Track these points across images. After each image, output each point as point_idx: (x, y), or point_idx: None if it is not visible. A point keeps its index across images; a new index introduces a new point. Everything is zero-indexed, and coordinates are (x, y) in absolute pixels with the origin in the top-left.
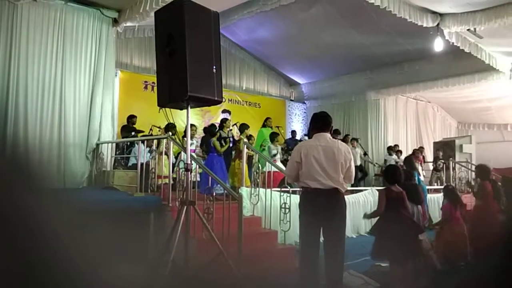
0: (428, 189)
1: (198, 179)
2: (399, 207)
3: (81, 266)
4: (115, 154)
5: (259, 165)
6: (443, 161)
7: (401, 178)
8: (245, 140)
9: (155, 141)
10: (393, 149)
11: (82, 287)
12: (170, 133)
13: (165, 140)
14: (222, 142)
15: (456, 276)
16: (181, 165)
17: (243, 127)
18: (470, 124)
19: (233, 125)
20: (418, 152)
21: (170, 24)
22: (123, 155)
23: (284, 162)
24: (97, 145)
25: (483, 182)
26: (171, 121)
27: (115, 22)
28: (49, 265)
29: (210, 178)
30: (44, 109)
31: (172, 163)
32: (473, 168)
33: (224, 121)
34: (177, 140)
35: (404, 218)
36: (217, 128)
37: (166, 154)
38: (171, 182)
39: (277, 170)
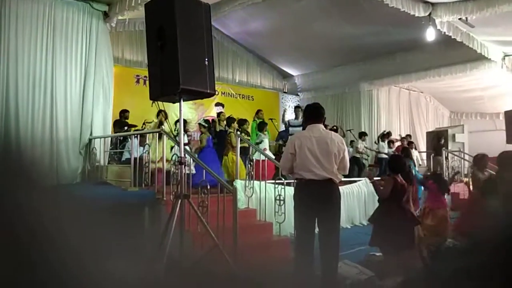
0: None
1: (194, 171)
2: (401, 198)
3: (76, 261)
4: (108, 149)
5: (254, 157)
6: (444, 148)
7: (405, 168)
8: (238, 132)
9: (148, 137)
10: (386, 136)
11: (78, 282)
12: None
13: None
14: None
15: (447, 265)
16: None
17: (230, 121)
18: (463, 113)
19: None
20: (405, 140)
21: (161, 17)
22: (116, 150)
23: (279, 154)
24: (90, 140)
25: (478, 172)
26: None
27: (105, 15)
28: (44, 260)
29: (204, 171)
30: (35, 104)
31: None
32: (466, 157)
33: (218, 115)
34: (170, 131)
35: (405, 209)
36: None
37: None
38: (165, 174)
39: (268, 159)
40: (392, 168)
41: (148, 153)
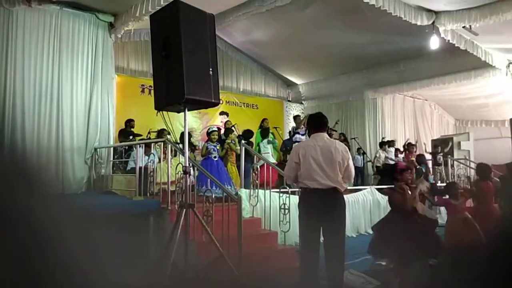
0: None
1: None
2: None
3: (79, 271)
4: (113, 159)
5: (258, 166)
6: (442, 155)
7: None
8: (242, 141)
9: (153, 146)
10: (385, 144)
11: None
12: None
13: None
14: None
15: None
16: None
17: (227, 132)
18: (468, 121)
19: (231, 127)
20: (412, 147)
21: (165, 27)
22: (122, 159)
23: (283, 163)
24: (96, 149)
25: (482, 183)
26: (169, 124)
27: (111, 26)
28: (46, 269)
29: (209, 180)
30: (41, 114)
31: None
32: (472, 165)
33: (225, 124)
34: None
35: (418, 216)
36: (212, 129)
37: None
38: (170, 187)
39: (272, 167)
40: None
41: (153, 162)
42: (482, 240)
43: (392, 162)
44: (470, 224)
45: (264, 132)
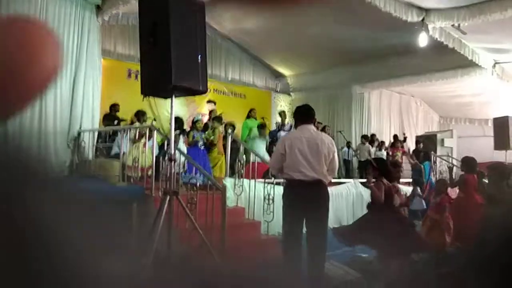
0: (406, 182)
1: (186, 168)
2: (391, 202)
3: (62, 257)
4: (97, 143)
5: (244, 156)
6: (422, 153)
7: (392, 172)
8: (229, 131)
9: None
10: (366, 138)
11: (64, 278)
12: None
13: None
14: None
15: (434, 267)
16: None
17: (216, 120)
18: (452, 118)
19: (213, 118)
20: (397, 142)
21: (154, 13)
22: (106, 143)
23: (269, 153)
24: (79, 133)
25: (467, 175)
26: (155, 110)
27: (98, 8)
28: (30, 256)
29: (194, 168)
30: None
31: (156, 155)
32: (454, 162)
33: (211, 112)
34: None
35: (398, 214)
36: (198, 118)
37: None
38: (153, 172)
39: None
40: (381, 171)
41: (137, 148)
42: (446, 244)
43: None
44: (436, 226)
45: (261, 128)
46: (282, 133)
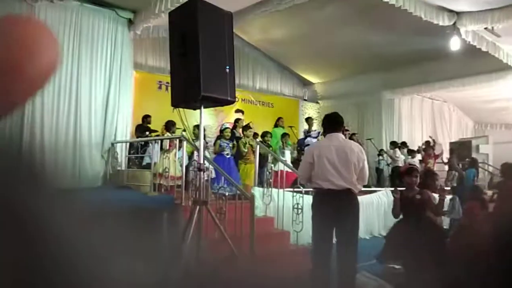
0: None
1: (214, 175)
2: (420, 211)
3: (93, 266)
4: (130, 154)
5: (272, 165)
6: (468, 160)
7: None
8: (257, 140)
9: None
10: (394, 145)
11: (91, 286)
12: (172, 131)
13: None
14: (234, 142)
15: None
16: (194, 164)
17: (245, 129)
18: (487, 124)
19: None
20: (429, 148)
21: (184, 25)
22: (138, 154)
23: (297, 161)
24: (112, 144)
25: (509, 181)
26: (184, 121)
27: (130, 22)
28: (61, 265)
29: (222, 178)
30: (60, 109)
31: (186, 165)
32: (490, 169)
33: (237, 121)
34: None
35: (429, 224)
36: (225, 126)
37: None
38: (182, 182)
39: (290, 169)
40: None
41: (168, 158)
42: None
43: (401, 164)
44: (467, 233)
45: (283, 136)
46: (309, 139)
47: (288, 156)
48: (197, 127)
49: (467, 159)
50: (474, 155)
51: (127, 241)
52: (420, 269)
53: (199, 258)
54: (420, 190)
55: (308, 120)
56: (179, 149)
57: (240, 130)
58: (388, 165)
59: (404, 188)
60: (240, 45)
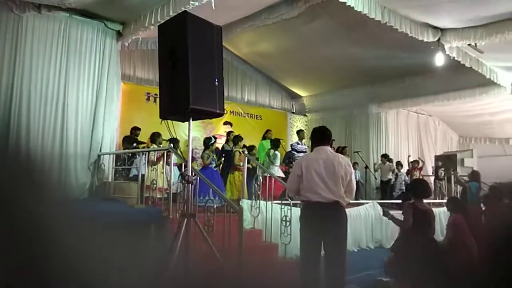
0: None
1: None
2: (427, 227)
3: (79, 278)
4: (116, 165)
5: (260, 177)
6: (443, 170)
7: (429, 193)
8: (245, 152)
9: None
10: (386, 157)
11: None
12: (158, 142)
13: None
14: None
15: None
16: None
17: (236, 139)
18: (472, 138)
19: (233, 138)
20: (416, 163)
21: (173, 37)
22: (124, 166)
23: (286, 174)
24: (99, 156)
25: (499, 201)
26: (173, 133)
27: (119, 34)
28: (45, 276)
29: (210, 190)
30: (46, 119)
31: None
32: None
33: (228, 134)
34: (179, 153)
35: (433, 240)
36: (212, 140)
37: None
38: (170, 194)
39: (278, 180)
40: (414, 193)
41: (155, 170)
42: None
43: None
44: (452, 246)
45: (276, 142)
46: (297, 146)
47: (278, 161)
48: (174, 140)
49: (468, 173)
50: (459, 168)
51: (114, 254)
52: (430, 282)
53: (186, 271)
54: (427, 203)
55: (299, 133)
56: (166, 161)
57: (232, 143)
58: (374, 177)
59: (412, 201)
60: (229, 58)
